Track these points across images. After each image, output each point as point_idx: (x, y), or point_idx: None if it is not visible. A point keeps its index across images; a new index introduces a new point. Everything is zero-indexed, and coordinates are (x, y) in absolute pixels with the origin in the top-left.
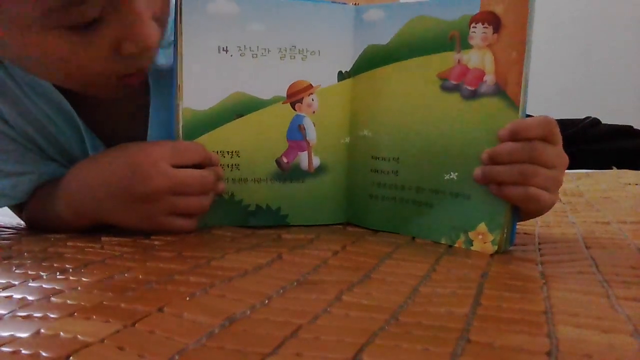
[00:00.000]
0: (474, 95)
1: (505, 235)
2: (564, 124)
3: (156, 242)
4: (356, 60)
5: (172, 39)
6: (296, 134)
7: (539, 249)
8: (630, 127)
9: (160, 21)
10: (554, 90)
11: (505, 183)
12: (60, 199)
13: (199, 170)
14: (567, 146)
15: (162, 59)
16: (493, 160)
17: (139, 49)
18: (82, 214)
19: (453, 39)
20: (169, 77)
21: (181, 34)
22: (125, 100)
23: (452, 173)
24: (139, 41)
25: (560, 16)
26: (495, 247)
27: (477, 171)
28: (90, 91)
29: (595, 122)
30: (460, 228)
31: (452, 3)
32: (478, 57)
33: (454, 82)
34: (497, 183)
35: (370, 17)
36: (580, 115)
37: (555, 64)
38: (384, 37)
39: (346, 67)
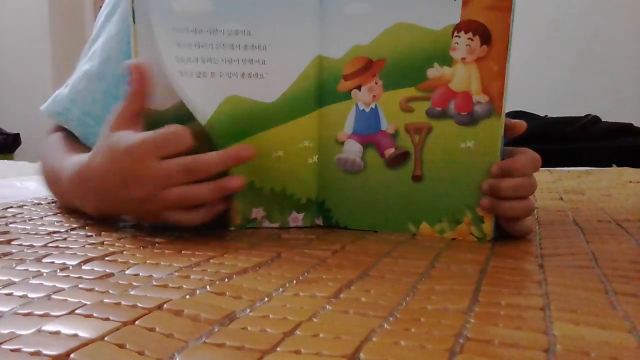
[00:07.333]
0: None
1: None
2: (564, 121)
3: (157, 240)
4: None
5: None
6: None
7: (540, 245)
8: (631, 124)
9: None
10: (555, 89)
11: (516, 218)
12: (65, 185)
13: (178, 160)
14: (568, 144)
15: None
16: (495, 194)
17: None
18: (89, 205)
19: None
20: None
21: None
22: None
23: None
24: None
25: (560, 14)
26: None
27: (486, 202)
28: None
29: (596, 119)
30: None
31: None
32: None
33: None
34: (505, 217)
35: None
36: (580, 113)
37: (556, 62)
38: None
39: None
